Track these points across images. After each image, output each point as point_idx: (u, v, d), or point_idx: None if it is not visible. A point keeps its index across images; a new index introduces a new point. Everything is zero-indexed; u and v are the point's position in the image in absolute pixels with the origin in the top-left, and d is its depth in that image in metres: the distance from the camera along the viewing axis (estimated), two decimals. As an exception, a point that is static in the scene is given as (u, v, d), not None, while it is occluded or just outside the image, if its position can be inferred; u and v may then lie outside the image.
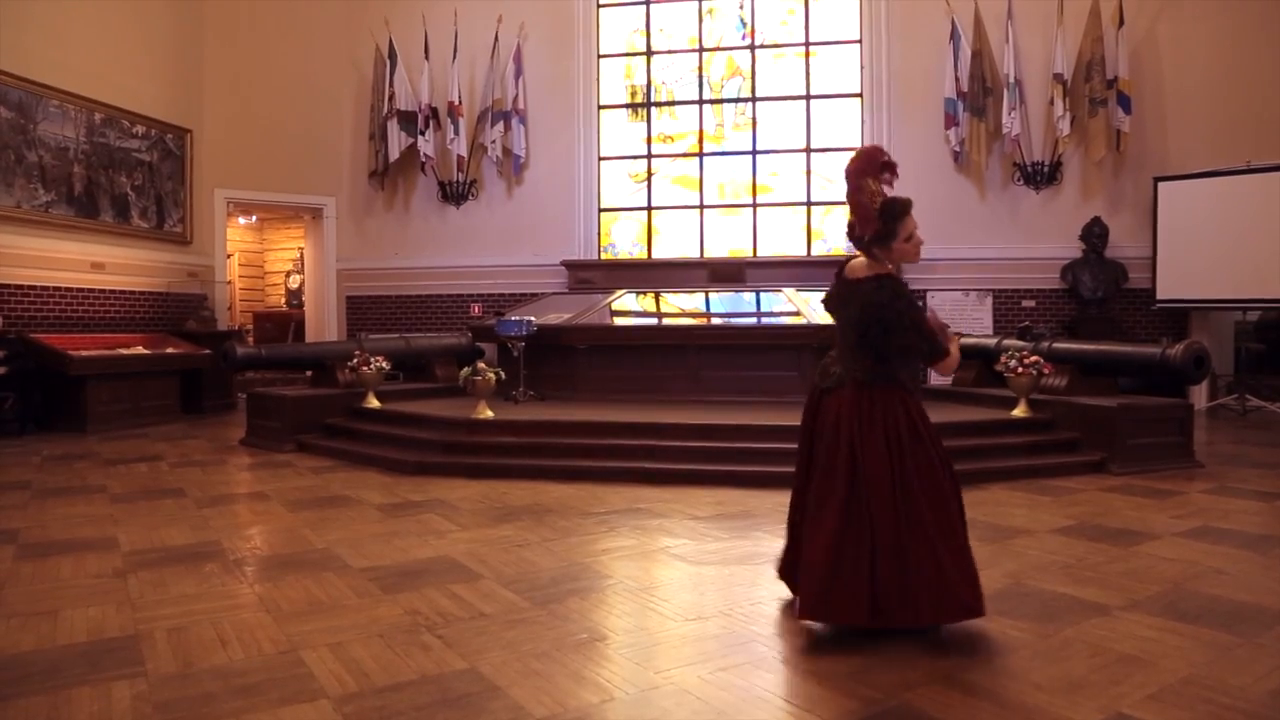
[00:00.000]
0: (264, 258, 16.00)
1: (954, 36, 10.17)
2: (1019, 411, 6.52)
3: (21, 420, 8.15)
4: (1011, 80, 9.90)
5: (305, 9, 11.56)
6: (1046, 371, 6.61)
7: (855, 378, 3.05)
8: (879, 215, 3.03)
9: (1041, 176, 10.27)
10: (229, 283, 12.61)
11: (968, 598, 2.84)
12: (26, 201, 8.70)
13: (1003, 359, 6.71)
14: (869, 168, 3.07)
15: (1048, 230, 10.24)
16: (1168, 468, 6.02)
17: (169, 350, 9.58)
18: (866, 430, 2.96)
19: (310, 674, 2.57)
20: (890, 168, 3.10)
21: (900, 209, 3.05)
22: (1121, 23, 9.72)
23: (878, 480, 2.89)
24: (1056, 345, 7.15)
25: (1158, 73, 10.05)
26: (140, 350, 9.19)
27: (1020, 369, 6.52)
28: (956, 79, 10.17)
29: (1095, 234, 9.88)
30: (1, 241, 8.42)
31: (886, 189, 3.10)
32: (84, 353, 8.44)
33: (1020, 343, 7.36)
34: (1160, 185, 9.76)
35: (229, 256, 12.41)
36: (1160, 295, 9.77)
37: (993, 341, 7.91)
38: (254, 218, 15.08)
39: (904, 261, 3.15)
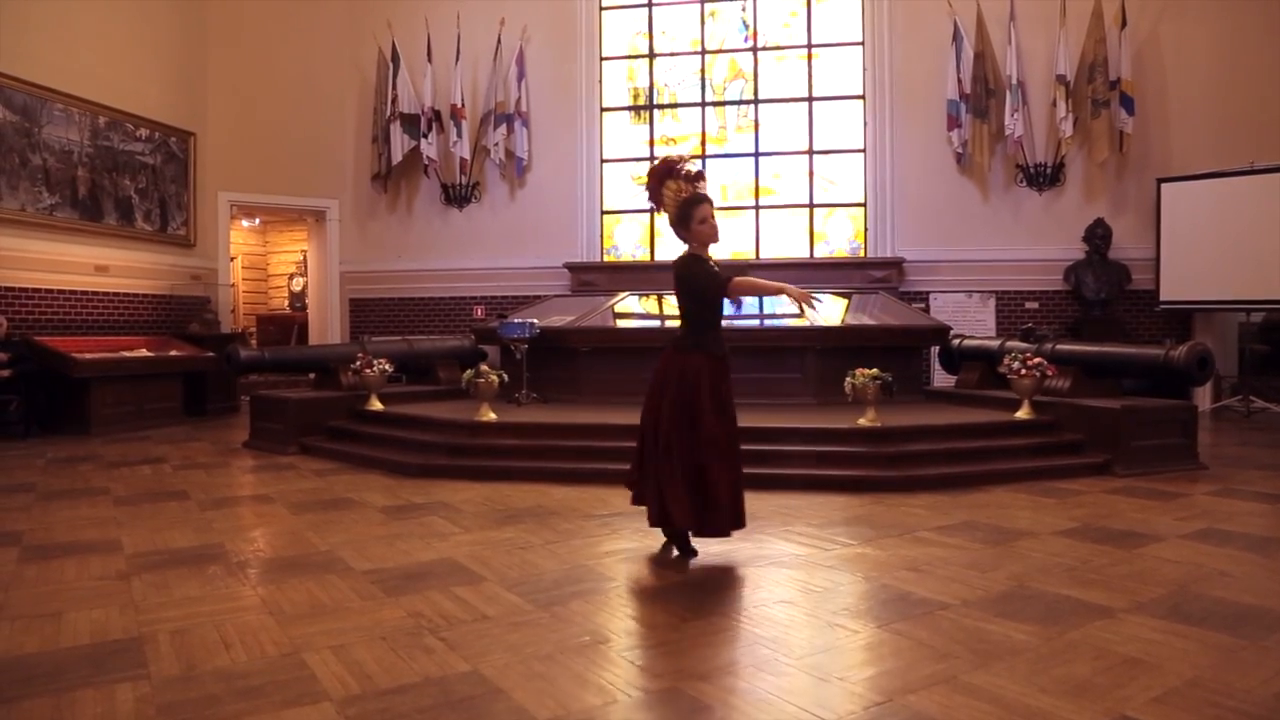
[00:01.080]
0: (267, 260, 16.03)
1: (956, 38, 10.17)
2: (1022, 413, 6.50)
3: (26, 423, 8.16)
4: (1014, 82, 9.90)
5: (308, 12, 11.59)
6: (1050, 373, 6.59)
7: (675, 344, 3.96)
8: (679, 206, 3.86)
9: (1044, 178, 10.27)
10: (232, 285, 12.62)
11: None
12: (31, 205, 8.73)
13: (1006, 361, 6.70)
14: (667, 174, 3.90)
15: (1050, 232, 10.23)
16: (1172, 470, 6.01)
17: (172, 353, 9.60)
18: (690, 386, 3.83)
19: (313, 676, 2.57)
20: (694, 176, 3.91)
21: (692, 200, 3.85)
22: (1124, 24, 9.73)
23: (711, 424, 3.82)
24: (1060, 347, 7.15)
25: (1160, 74, 10.05)
26: (144, 353, 9.21)
27: (1023, 371, 6.51)
28: (959, 80, 10.17)
29: (1098, 235, 9.87)
30: (6, 244, 8.45)
31: (699, 189, 3.93)
32: (88, 355, 8.46)
33: (1023, 344, 7.37)
34: (1163, 186, 9.75)
35: (232, 259, 12.43)
36: (1164, 297, 9.76)
37: (996, 343, 7.90)
38: (257, 220, 15.11)
39: (705, 241, 3.89)
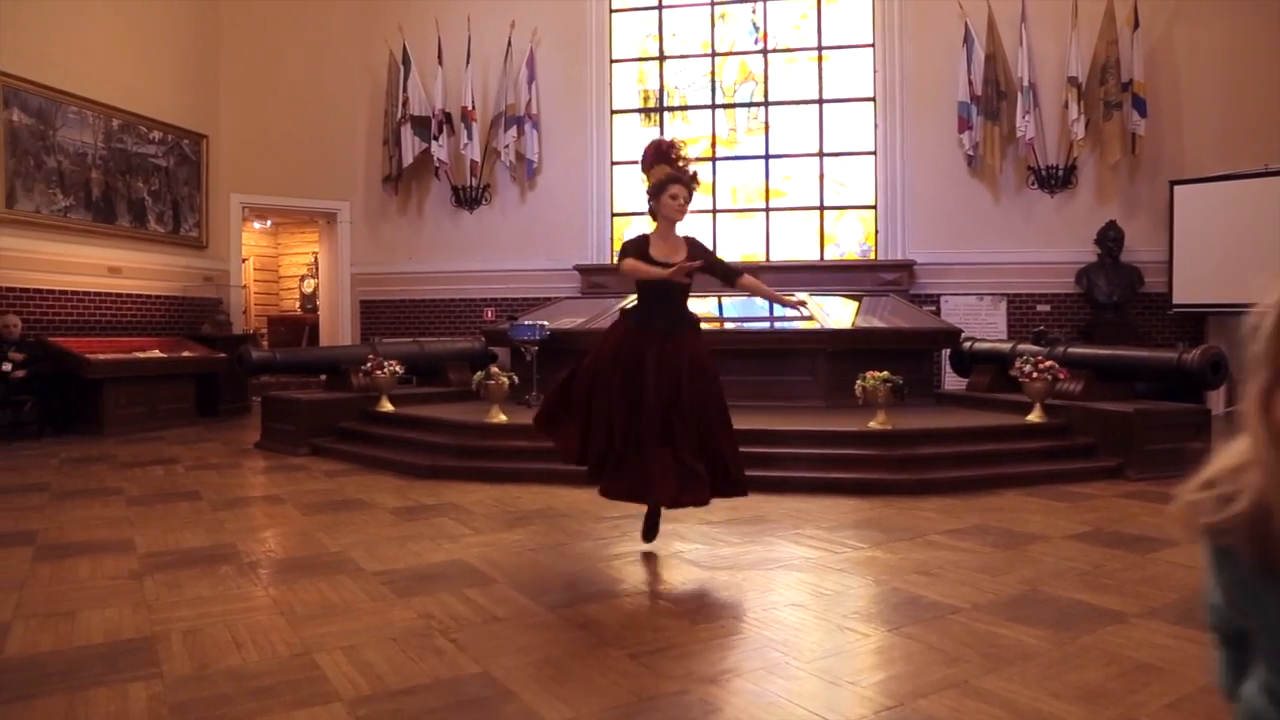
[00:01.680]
0: (279, 262, 16.10)
1: (967, 40, 10.14)
2: (1034, 417, 6.48)
3: (40, 423, 8.21)
4: (1025, 83, 9.86)
5: (319, 15, 11.64)
6: (1062, 377, 6.57)
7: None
8: (662, 177, 3.98)
9: (1056, 180, 10.23)
10: (244, 287, 12.68)
11: None
12: (45, 206, 8.79)
13: (1017, 364, 6.68)
14: (667, 160, 4.02)
15: (1062, 234, 10.19)
16: (1185, 474, 5.93)
17: (185, 354, 9.65)
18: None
19: (324, 677, 2.57)
20: (690, 177, 4.03)
21: (674, 177, 3.97)
22: (1136, 25, 9.68)
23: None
24: (1071, 350, 7.12)
25: (1174, 75, 9.99)
26: (156, 354, 9.26)
27: (1035, 374, 6.48)
28: (970, 82, 10.14)
29: (1110, 238, 9.82)
30: (21, 246, 8.50)
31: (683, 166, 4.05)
32: (101, 356, 8.51)
33: (1035, 347, 7.33)
34: (1176, 188, 9.70)
35: (244, 261, 12.49)
36: (1177, 299, 9.71)
37: (1007, 346, 7.88)
38: (269, 222, 15.16)
39: (669, 215, 4.01)
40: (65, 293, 9.03)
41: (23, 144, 8.53)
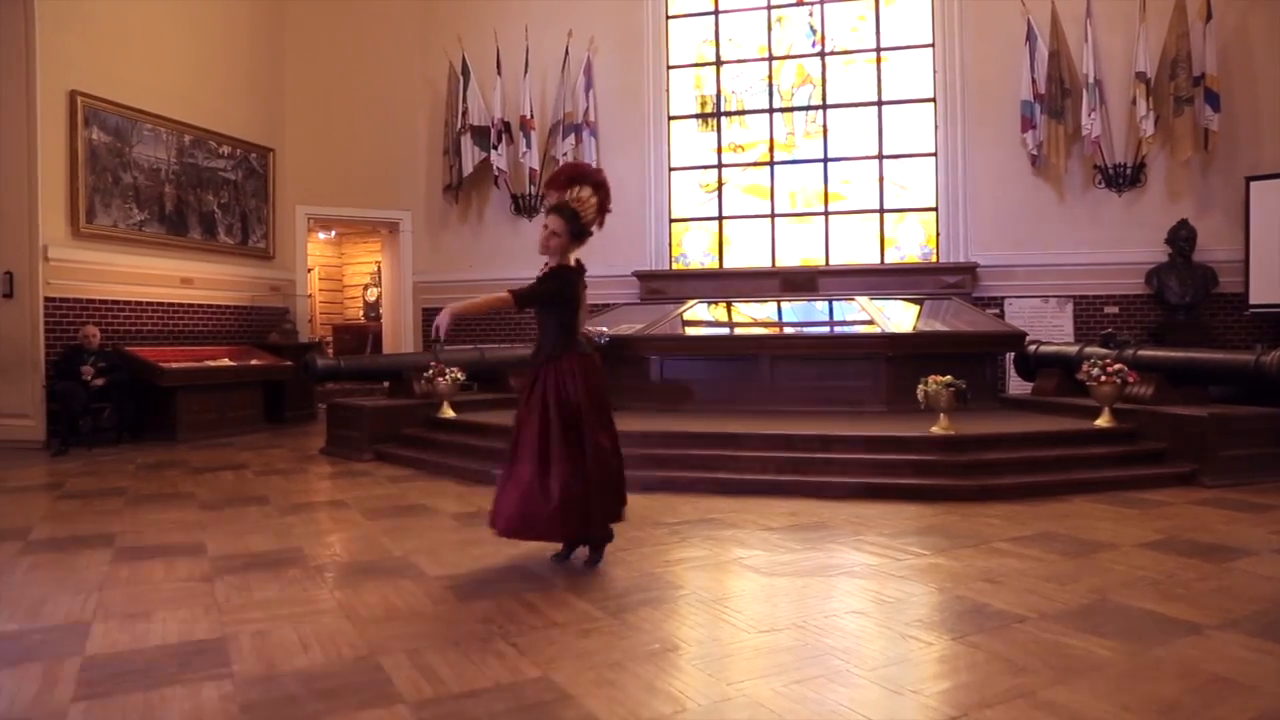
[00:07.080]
0: (343, 271, 16.44)
1: (1030, 37, 9.95)
2: (1102, 421, 6.32)
3: (118, 429, 8.50)
4: (1091, 80, 9.63)
5: (381, 30, 11.87)
6: (1131, 380, 6.39)
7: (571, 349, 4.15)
8: (587, 220, 3.99)
9: (1124, 179, 9.97)
10: (309, 296, 12.97)
11: None
12: (122, 221, 9.10)
13: (1085, 367, 6.52)
14: (596, 185, 4.01)
15: (1131, 234, 9.92)
16: (1263, 481, 5.76)
17: (253, 362, 9.91)
18: None
19: (388, 679, 2.62)
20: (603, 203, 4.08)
21: (590, 226, 4.04)
22: (1209, 17, 9.39)
23: None
24: (1141, 353, 6.91)
25: (1249, 68, 9.67)
26: (226, 362, 9.52)
27: (1103, 377, 6.32)
28: (1033, 81, 9.94)
29: (1182, 237, 9.54)
30: (99, 259, 8.81)
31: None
32: (174, 365, 8.78)
33: (1103, 350, 7.15)
34: (1253, 185, 9.39)
35: (309, 271, 12.77)
36: (1254, 300, 9.38)
37: (1074, 349, 7.69)
38: (333, 233, 15.50)
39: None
40: (141, 303, 9.34)
41: (101, 161, 8.84)
